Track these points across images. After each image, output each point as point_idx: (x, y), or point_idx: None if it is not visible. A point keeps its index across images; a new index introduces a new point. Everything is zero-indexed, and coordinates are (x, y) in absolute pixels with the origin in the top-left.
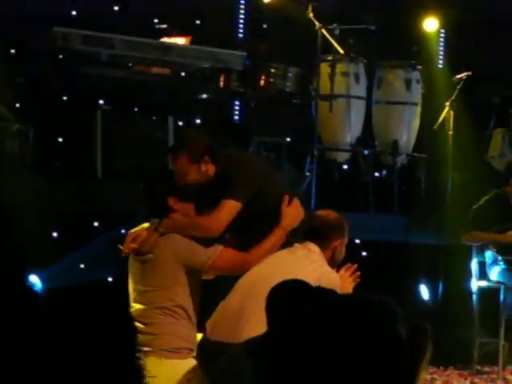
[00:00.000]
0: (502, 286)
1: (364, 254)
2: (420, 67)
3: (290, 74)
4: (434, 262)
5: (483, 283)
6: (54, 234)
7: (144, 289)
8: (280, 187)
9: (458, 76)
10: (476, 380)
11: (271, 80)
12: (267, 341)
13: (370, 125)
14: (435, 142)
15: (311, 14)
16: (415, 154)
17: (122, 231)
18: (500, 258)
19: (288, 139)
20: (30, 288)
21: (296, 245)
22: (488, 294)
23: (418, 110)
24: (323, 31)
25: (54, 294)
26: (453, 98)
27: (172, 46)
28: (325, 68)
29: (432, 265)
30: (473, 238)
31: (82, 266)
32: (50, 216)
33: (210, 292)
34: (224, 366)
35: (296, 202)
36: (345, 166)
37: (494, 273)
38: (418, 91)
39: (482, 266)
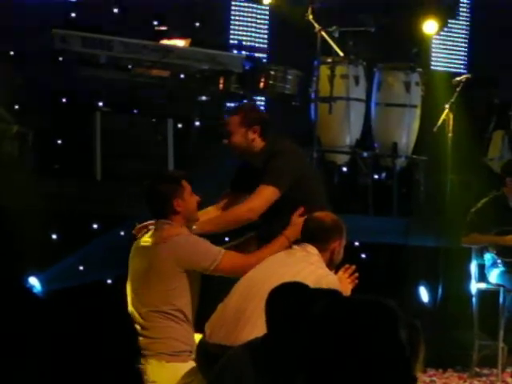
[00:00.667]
0: (502, 289)
1: (363, 256)
2: (419, 69)
3: (289, 77)
4: (433, 265)
5: (482, 286)
6: (54, 236)
7: (143, 292)
8: (315, 184)
9: (458, 78)
10: (475, 382)
11: (271, 82)
12: (267, 343)
13: (370, 127)
14: (435, 145)
15: (310, 16)
16: (414, 157)
17: (121, 233)
18: (499, 260)
19: None
20: (28, 290)
21: (294, 247)
22: (487, 296)
23: (418, 112)
24: (323, 33)
25: (53, 296)
26: (452, 100)
27: (171, 48)
28: (324, 70)
29: (431, 267)
30: (472, 241)
31: (81, 268)
32: (49, 218)
33: (209, 294)
34: (223, 368)
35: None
36: (344, 169)
37: (494, 275)
38: (417, 93)
39: (482, 269)
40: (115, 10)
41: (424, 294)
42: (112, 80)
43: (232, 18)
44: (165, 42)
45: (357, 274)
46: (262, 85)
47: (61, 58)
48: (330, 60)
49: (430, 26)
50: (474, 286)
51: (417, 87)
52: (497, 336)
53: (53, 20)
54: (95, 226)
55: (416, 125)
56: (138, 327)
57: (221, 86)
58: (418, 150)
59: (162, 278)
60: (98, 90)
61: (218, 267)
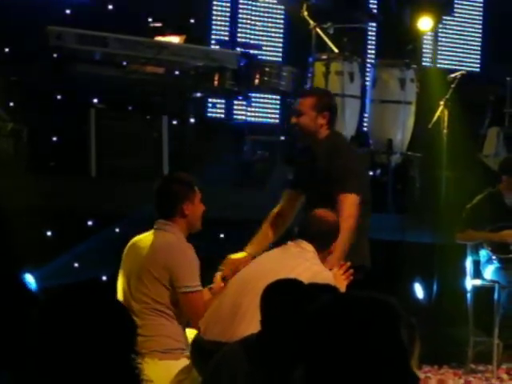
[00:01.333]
0: (497, 285)
1: None
2: (414, 66)
3: (284, 73)
4: (428, 261)
5: (478, 282)
6: (48, 233)
7: (137, 289)
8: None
9: (453, 75)
10: (470, 379)
11: (265, 79)
12: (262, 339)
13: (365, 124)
14: (430, 141)
15: (305, 13)
16: (409, 153)
17: (116, 230)
18: (494, 256)
19: (282, 138)
20: (24, 287)
21: (289, 243)
22: (482, 292)
23: (413, 108)
24: (317, 30)
25: (49, 293)
26: (447, 96)
27: (166, 44)
28: (319, 67)
29: (426, 264)
30: (467, 237)
31: (76, 265)
32: (44, 215)
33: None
34: (218, 365)
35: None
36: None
37: (489, 271)
38: (412, 90)
39: (477, 265)
40: (110, 7)
41: (419, 291)
42: (107, 77)
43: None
44: (159, 38)
45: (351, 271)
46: (256, 81)
47: (56, 55)
48: (324, 57)
49: (424, 23)
50: (469, 283)
51: (412, 84)
52: (492, 332)
53: (48, 17)
54: (90, 223)
55: (411, 121)
56: None
57: (216, 82)
58: (413, 146)
59: (154, 277)
60: (92, 87)
61: (189, 295)
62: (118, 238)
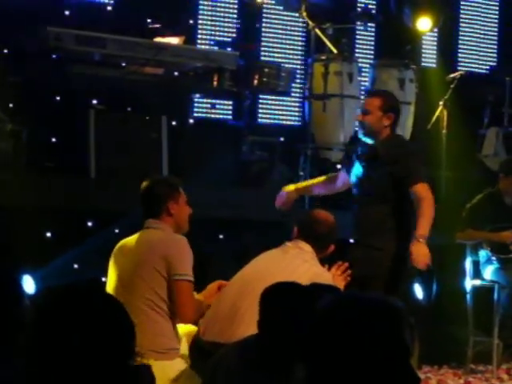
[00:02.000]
0: (496, 285)
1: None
2: (413, 66)
3: (283, 74)
4: None
5: (477, 282)
6: (48, 234)
7: (132, 286)
8: None
9: (452, 75)
10: (470, 379)
11: (264, 79)
12: (260, 341)
13: None
14: (429, 142)
15: (304, 14)
16: None
17: (116, 231)
18: (494, 257)
19: (281, 139)
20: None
21: (287, 243)
22: (482, 292)
23: (412, 109)
24: (316, 31)
25: (49, 293)
26: (446, 97)
27: (165, 45)
28: (318, 67)
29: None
30: (467, 237)
31: (75, 265)
32: (43, 216)
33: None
34: (216, 366)
35: None
36: (338, 166)
37: (488, 272)
38: (411, 90)
39: (476, 265)
40: (109, 8)
41: (418, 291)
42: (106, 78)
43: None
44: (158, 39)
45: (349, 271)
46: (255, 82)
47: (55, 56)
48: (323, 57)
49: (423, 23)
50: (469, 283)
51: (411, 84)
52: (491, 332)
53: (47, 18)
54: (90, 223)
55: (410, 122)
56: None
57: (215, 83)
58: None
59: (154, 268)
60: (91, 88)
61: (180, 283)
62: (118, 238)
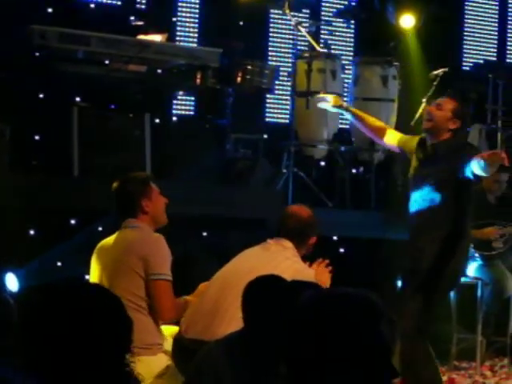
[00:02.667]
0: (479, 282)
1: (341, 250)
2: (396, 64)
3: (266, 71)
4: None
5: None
6: (31, 232)
7: (111, 286)
8: None
9: (435, 72)
10: (454, 376)
11: (248, 77)
12: (244, 337)
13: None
14: None
15: (288, 11)
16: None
17: (99, 229)
18: (477, 253)
19: (265, 136)
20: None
21: (269, 241)
22: (465, 289)
23: (395, 106)
24: (300, 28)
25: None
26: (429, 94)
27: (148, 43)
28: (301, 65)
29: None
30: None
31: (58, 263)
32: (26, 214)
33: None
34: (200, 364)
35: None
36: (322, 163)
37: (471, 269)
38: (394, 88)
39: None
40: (92, 6)
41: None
42: (89, 75)
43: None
44: (142, 37)
45: (331, 268)
46: (239, 79)
47: (39, 54)
48: (306, 54)
49: (406, 21)
50: None
51: (394, 81)
52: (475, 329)
53: (31, 16)
54: (73, 221)
55: (393, 119)
56: None
57: (198, 80)
58: None
59: (131, 268)
60: (75, 86)
61: (158, 282)
62: (101, 236)
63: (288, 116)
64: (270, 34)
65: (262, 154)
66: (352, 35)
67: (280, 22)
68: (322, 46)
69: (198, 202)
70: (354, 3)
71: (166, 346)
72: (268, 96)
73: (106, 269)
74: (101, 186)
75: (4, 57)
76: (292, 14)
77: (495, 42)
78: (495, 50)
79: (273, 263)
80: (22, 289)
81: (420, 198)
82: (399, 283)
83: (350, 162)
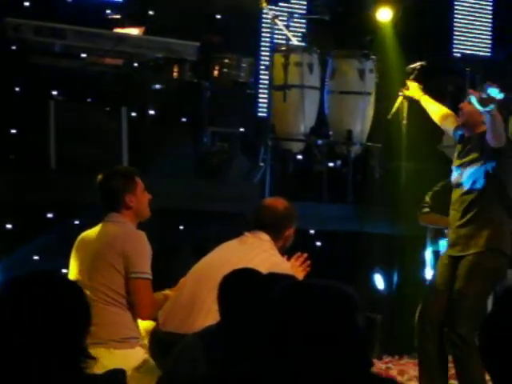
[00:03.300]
0: None
1: (318, 244)
2: (373, 57)
3: (243, 65)
4: (388, 252)
5: None
6: (8, 226)
7: (90, 279)
8: None
9: (412, 65)
10: None
11: (225, 70)
12: (220, 330)
13: (324, 115)
14: (389, 132)
15: (264, 4)
16: (369, 144)
17: (76, 222)
18: None
19: (242, 129)
20: None
21: (246, 234)
22: None
23: (372, 99)
24: (276, 21)
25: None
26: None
27: (125, 36)
28: (278, 58)
29: (386, 254)
30: (430, 220)
31: (36, 257)
32: (3, 208)
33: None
34: (177, 358)
35: None
36: (299, 157)
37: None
38: (371, 81)
39: (437, 256)
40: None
41: (379, 281)
42: (66, 69)
43: None
44: (118, 30)
45: (308, 262)
46: (216, 73)
47: (14, 47)
48: (284, 48)
49: (383, 14)
50: (429, 273)
51: (371, 74)
52: None
53: (6, 9)
54: (50, 215)
55: (370, 112)
56: None
57: (175, 74)
58: (373, 137)
59: (110, 264)
60: (51, 79)
61: (138, 281)
62: (78, 230)
63: (265, 110)
64: (248, 28)
65: (238, 147)
66: (330, 29)
67: (257, 15)
68: (299, 39)
69: (174, 195)
70: None
71: (144, 341)
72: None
73: (85, 262)
74: (78, 180)
75: None
76: (269, 7)
77: (471, 35)
78: (471, 44)
79: (249, 256)
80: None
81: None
82: (376, 276)
83: (327, 156)
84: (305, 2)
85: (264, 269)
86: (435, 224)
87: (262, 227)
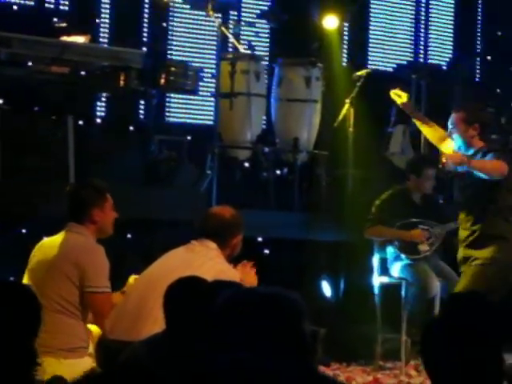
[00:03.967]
0: (404, 282)
1: (266, 251)
2: (320, 65)
3: (190, 72)
4: (335, 259)
5: (385, 279)
6: None
7: (44, 286)
8: None
9: (358, 73)
10: (379, 375)
11: (171, 78)
12: (166, 338)
13: (271, 122)
14: (336, 140)
15: (211, 13)
16: (316, 152)
17: (23, 231)
18: (402, 254)
19: (189, 137)
20: None
21: (193, 242)
22: (389, 289)
23: (318, 107)
24: (223, 29)
25: None
26: (353, 95)
27: (71, 44)
28: (225, 66)
29: (333, 261)
30: (377, 233)
31: None
32: None
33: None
34: (123, 365)
35: None
36: (246, 164)
37: (396, 269)
38: (318, 89)
39: (384, 262)
40: (14, 7)
41: (326, 288)
42: (11, 77)
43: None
44: (64, 38)
45: (255, 269)
46: (162, 81)
47: None
48: (230, 56)
49: (329, 21)
50: (377, 280)
51: (317, 82)
52: (400, 329)
53: None
54: None
55: (317, 120)
56: None
57: (122, 82)
58: (319, 145)
59: (64, 274)
60: None
61: (96, 296)
62: (25, 238)
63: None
64: (194, 36)
65: (185, 155)
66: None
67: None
68: (245, 47)
69: (121, 203)
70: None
71: (91, 349)
72: (192, 97)
73: (42, 270)
74: (24, 189)
75: None
76: (215, 15)
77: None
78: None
79: (196, 264)
80: None
81: None
82: (323, 283)
83: (274, 163)
84: (252, 10)
85: (210, 277)
86: (381, 236)
87: (208, 235)
